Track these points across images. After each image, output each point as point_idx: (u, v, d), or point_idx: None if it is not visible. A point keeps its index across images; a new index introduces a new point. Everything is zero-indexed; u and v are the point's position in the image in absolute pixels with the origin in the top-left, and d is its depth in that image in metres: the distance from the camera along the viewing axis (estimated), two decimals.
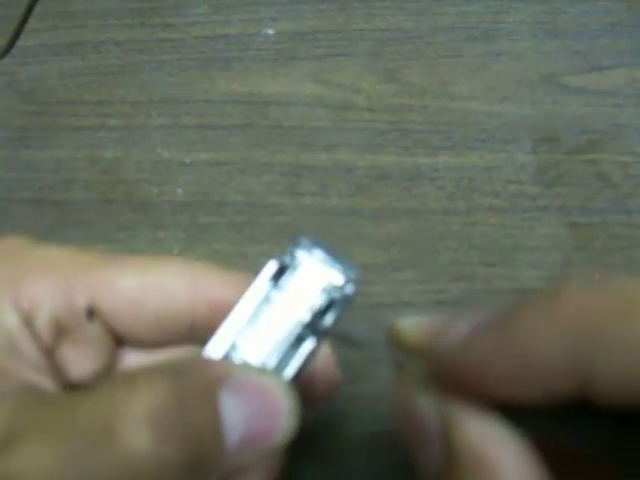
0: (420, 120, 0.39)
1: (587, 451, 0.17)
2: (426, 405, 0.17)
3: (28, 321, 0.21)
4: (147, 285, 0.22)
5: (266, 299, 0.20)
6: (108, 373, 0.23)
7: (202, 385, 0.18)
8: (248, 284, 0.21)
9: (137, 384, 0.17)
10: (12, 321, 0.20)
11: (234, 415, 0.17)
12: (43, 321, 0.21)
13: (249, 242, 0.35)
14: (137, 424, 0.16)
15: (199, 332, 0.22)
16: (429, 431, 0.17)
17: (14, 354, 0.20)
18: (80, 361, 0.22)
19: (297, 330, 0.20)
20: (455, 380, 0.17)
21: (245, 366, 0.20)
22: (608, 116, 0.39)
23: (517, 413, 0.16)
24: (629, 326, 0.14)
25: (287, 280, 0.21)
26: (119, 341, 0.23)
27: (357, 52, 0.42)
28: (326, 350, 0.24)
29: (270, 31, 0.43)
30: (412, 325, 0.19)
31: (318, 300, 0.20)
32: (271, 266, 0.21)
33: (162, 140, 0.39)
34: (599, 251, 0.35)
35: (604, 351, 0.15)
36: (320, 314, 0.20)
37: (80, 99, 0.41)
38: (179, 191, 0.37)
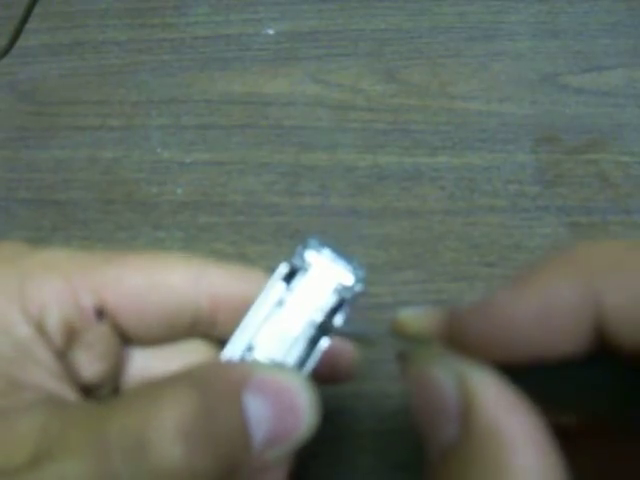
0: (420, 120, 0.39)
1: (597, 409, 0.18)
2: (444, 376, 0.18)
3: (39, 327, 0.20)
4: (152, 282, 0.22)
5: (279, 301, 0.21)
6: (117, 373, 0.23)
7: (226, 390, 0.18)
8: (248, 277, 0.22)
9: (164, 396, 0.17)
10: (24, 330, 0.20)
11: (259, 415, 0.18)
12: (54, 325, 0.21)
13: (249, 242, 0.35)
14: (169, 438, 0.16)
15: (201, 327, 0.23)
16: (445, 401, 0.17)
17: (30, 364, 0.20)
18: (91, 362, 0.22)
19: (311, 330, 0.20)
20: (475, 344, 0.17)
21: (265, 365, 0.20)
22: (608, 116, 0.39)
23: (529, 378, 0.17)
24: (627, 265, 0.16)
25: (298, 282, 0.21)
26: (125, 340, 0.23)
27: (357, 52, 0.42)
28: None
29: (270, 31, 0.43)
30: (414, 315, 0.20)
31: (329, 300, 0.21)
32: (282, 268, 0.21)
33: (162, 140, 0.39)
34: None
35: (612, 289, 0.16)
36: (331, 313, 0.21)
37: (80, 99, 0.41)
38: (179, 191, 0.37)
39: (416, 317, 0.20)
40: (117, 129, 0.40)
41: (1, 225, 0.37)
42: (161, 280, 0.22)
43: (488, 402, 0.17)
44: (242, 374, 0.18)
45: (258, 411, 0.17)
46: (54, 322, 0.21)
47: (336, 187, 0.37)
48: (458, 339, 0.18)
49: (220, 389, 0.18)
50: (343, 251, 0.21)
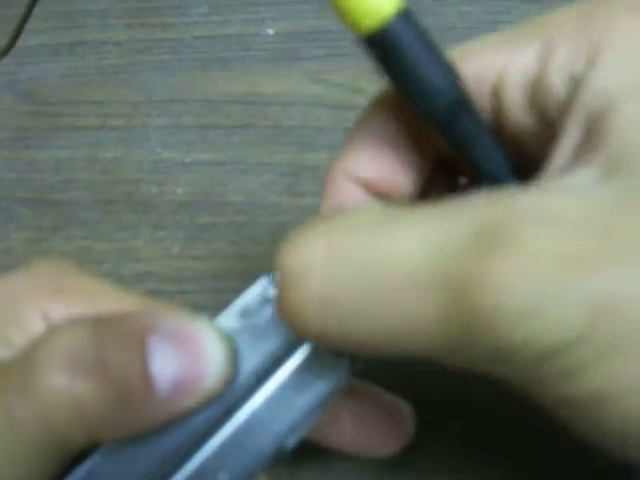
0: None
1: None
2: None
3: None
4: None
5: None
6: None
7: (127, 330, 0.18)
8: None
9: (57, 330, 0.19)
10: (39, 330, 0.20)
11: (164, 360, 0.18)
12: None
13: (249, 242, 0.35)
14: (53, 363, 0.18)
15: None
16: None
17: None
18: None
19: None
20: None
21: (175, 314, 0.20)
22: None
23: None
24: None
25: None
26: None
27: (357, 52, 0.42)
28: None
29: (270, 31, 0.43)
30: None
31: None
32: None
33: (162, 140, 0.39)
34: None
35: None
36: None
37: (80, 99, 0.41)
38: (179, 191, 0.37)
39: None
40: (117, 129, 0.40)
41: (1, 225, 0.37)
42: None
43: None
44: (150, 320, 0.19)
45: (163, 356, 0.18)
46: None
47: None
48: None
49: (120, 329, 0.18)
50: None
